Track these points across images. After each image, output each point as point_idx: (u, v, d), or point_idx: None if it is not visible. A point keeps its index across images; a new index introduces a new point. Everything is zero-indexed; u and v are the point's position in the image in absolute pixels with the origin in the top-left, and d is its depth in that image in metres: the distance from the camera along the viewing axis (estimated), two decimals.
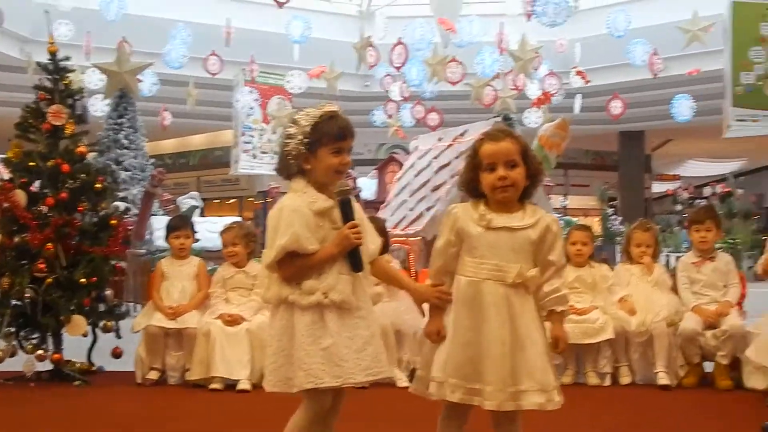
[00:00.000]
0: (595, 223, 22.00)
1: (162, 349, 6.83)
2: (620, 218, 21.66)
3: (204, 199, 19.62)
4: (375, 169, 19.92)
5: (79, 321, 6.85)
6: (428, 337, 3.46)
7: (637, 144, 28.26)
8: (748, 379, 6.23)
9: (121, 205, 9.16)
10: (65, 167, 7.17)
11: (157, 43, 18.97)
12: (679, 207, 28.35)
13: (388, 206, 12.49)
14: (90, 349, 7.32)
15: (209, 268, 7.48)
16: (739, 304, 6.87)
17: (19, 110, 7.48)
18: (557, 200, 24.30)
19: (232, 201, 31.06)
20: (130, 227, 11.83)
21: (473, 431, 3.50)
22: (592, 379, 6.70)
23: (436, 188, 11.24)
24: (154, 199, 15.07)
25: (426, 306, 3.57)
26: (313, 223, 3.42)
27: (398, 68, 19.40)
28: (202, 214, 18.07)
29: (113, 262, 7.37)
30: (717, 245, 7.37)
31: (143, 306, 7.57)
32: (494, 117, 14.47)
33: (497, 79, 19.99)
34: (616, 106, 20.94)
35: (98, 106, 18.69)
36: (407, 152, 15.71)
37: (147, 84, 19.15)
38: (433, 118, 21.05)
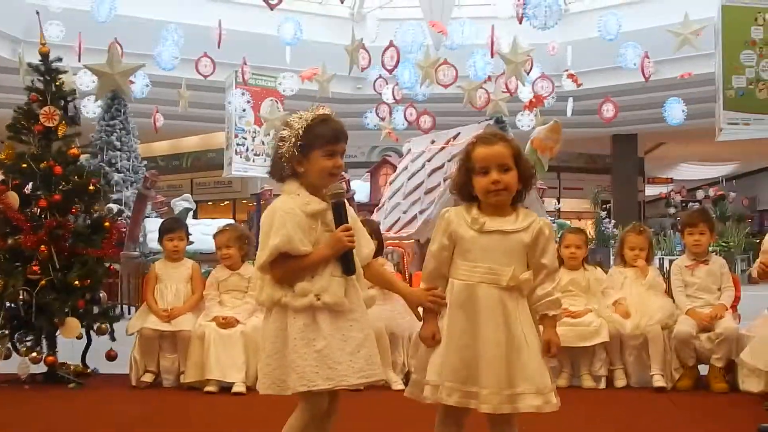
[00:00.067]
0: (589, 226, 22.04)
1: (156, 351, 6.81)
2: (613, 221, 21.72)
3: (197, 202, 19.60)
4: (368, 171, 19.95)
5: (74, 323, 6.83)
6: (423, 342, 3.46)
7: (629, 147, 28.31)
8: (743, 381, 6.24)
9: (115, 207, 9.18)
10: (58, 169, 7.16)
11: (149, 45, 18.95)
12: (672, 210, 28.45)
13: (381, 209, 12.50)
14: (84, 352, 7.30)
15: (203, 270, 7.46)
16: (734, 307, 6.88)
17: (11, 111, 7.45)
18: (550, 203, 24.30)
19: (225, 203, 31.03)
20: (124, 229, 11.84)
21: None
22: (588, 382, 6.70)
23: (429, 191, 11.27)
24: (147, 201, 15.05)
25: (420, 310, 3.55)
26: (305, 224, 3.42)
27: (390, 71, 19.41)
28: (195, 217, 18.03)
29: (107, 265, 7.36)
30: (710, 248, 7.37)
31: (137, 308, 7.56)
32: (487, 120, 14.45)
33: (489, 82, 20.00)
34: (608, 110, 20.99)
35: (90, 108, 18.67)
36: (400, 155, 15.74)
37: (139, 86, 19.14)
38: (426, 121, 21.08)
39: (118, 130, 18.12)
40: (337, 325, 3.38)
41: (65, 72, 7.83)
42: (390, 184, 13.20)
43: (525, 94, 20.34)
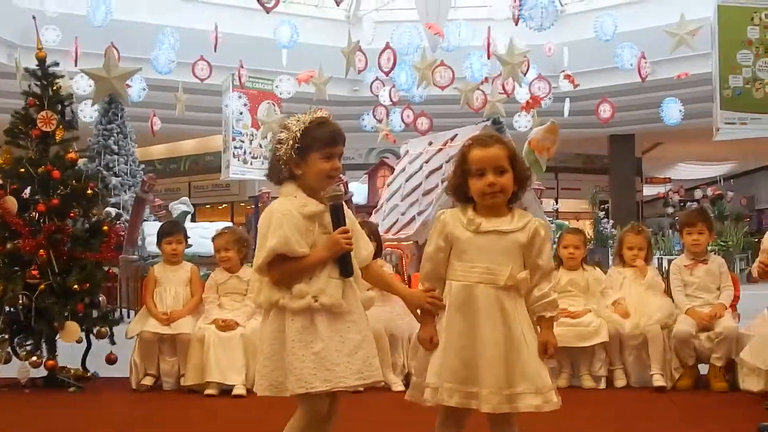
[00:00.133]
0: (587, 227, 22.06)
1: (156, 354, 6.82)
2: (612, 221, 21.72)
3: (195, 205, 19.59)
4: (365, 173, 19.95)
5: (73, 327, 6.84)
6: (421, 344, 3.47)
7: (627, 147, 28.29)
8: (743, 380, 6.25)
9: (113, 211, 9.17)
10: (56, 173, 7.16)
11: (145, 49, 18.93)
12: (670, 210, 28.45)
13: (379, 210, 12.51)
14: (84, 356, 7.30)
15: (201, 273, 7.46)
16: (733, 306, 6.88)
17: (8, 116, 7.45)
18: (548, 204, 24.32)
19: (223, 206, 31.00)
20: (122, 233, 11.84)
21: None
22: (588, 382, 6.70)
23: (427, 192, 11.27)
24: (146, 205, 15.05)
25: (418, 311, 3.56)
26: (303, 226, 3.42)
27: (387, 73, 19.40)
28: (193, 220, 18.03)
29: (106, 268, 7.36)
30: (709, 248, 7.38)
31: (136, 312, 7.56)
32: (484, 121, 14.44)
33: (486, 84, 20.00)
34: (605, 110, 20.98)
35: (87, 112, 18.64)
36: (397, 156, 15.73)
37: (135, 89, 19.10)
38: (423, 123, 21.08)
39: (115, 134, 18.12)
40: (335, 326, 3.38)
41: (62, 76, 7.86)
42: (388, 185, 13.21)
43: (522, 95, 20.31)
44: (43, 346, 7.00)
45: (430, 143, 12.62)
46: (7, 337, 6.91)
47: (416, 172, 12.08)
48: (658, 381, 6.49)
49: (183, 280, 7.11)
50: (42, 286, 6.81)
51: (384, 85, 21.02)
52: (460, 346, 3.30)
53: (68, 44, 17.93)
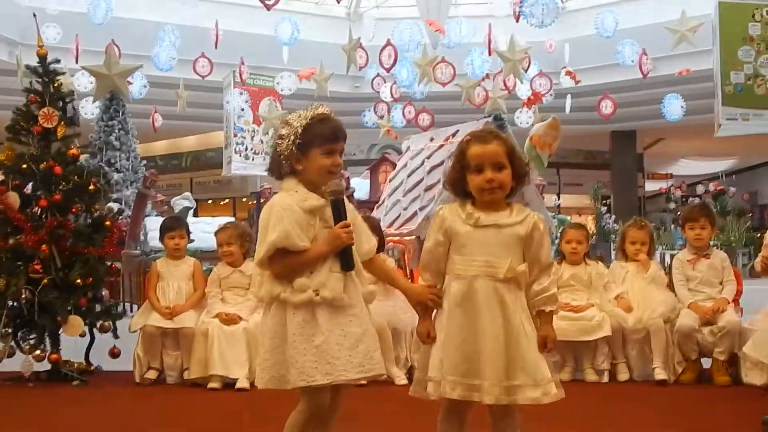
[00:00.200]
0: (589, 222, 22.06)
1: (159, 348, 6.84)
2: (614, 216, 21.72)
3: (197, 200, 19.60)
4: (367, 169, 19.93)
5: (76, 321, 6.87)
6: (419, 338, 3.49)
7: (629, 143, 28.29)
8: (746, 374, 6.26)
9: (115, 206, 9.18)
10: (57, 169, 7.19)
11: (146, 46, 18.95)
12: (672, 205, 28.43)
13: (381, 206, 12.50)
14: (88, 349, 7.32)
15: (204, 268, 7.48)
16: (735, 300, 6.88)
17: (9, 113, 7.48)
18: (550, 199, 24.31)
19: (225, 201, 31.03)
20: (124, 228, 11.85)
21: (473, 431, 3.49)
22: (590, 376, 6.71)
23: (429, 188, 11.25)
24: (147, 201, 15.06)
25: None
26: (303, 220, 3.43)
27: (388, 69, 19.41)
28: (195, 215, 18.05)
29: (108, 263, 7.38)
30: (711, 243, 7.39)
31: (139, 306, 7.57)
32: (485, 117, 14.46)
33: (487, 80, 20.00)
34: (606, 106, 20.97)
35: (89, 109, 18.66)
36: (399, 152, 15.72)
37: (137, 86, 19.13)
38: (425, 119, 21.08)
39: (116, 131, 18.12)
40: (336, 320, 3.39)
41: (63, 73, 7.86)
42: (390, 181, 13.18)
43: (523, 91, 20.32)
44: (47, 340, 7.03)
45: (432, 139, 12.58)
46: (10, 331, 6.94)
47: (418, 168, 12.05)
48: (659, 374, 6.49)
49: (186, 275, 7.12)
50: (45, 281, 6.83)
51: (385, 82, 21.04)
52: (461, 339, 3.30)
53: (69, 41, 17.97)
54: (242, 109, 21.24)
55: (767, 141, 20.50)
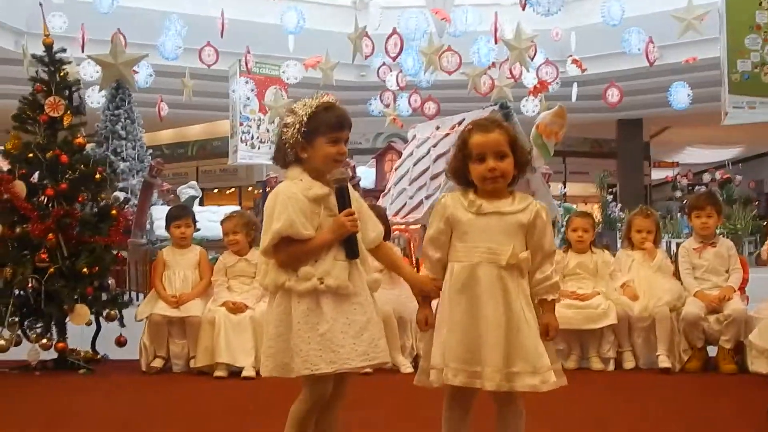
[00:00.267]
0: (595, 210, 22.03)
1: (166, 337, 6.87)
2: (620, 205, 21.69)
3: (203, 189, 19.60)
4: (373, 158, 19.90)
5: (83, 310, 6.89)
6: (417, 324, 3.52)
7: (635, 131, 28.21)
8: (752, 363, 6.28)
9: (121, 195, 9.19)
10: (64, 158, 7.20)
11: (152, 35, 18.93)
12: (678, 193, 28.37)
13: (387, 194, 12.51)
14: (94, 338, 7.35)
15: (210, 257, 7.49)
16: (742, 288, 6.89)
17: (16, 102, 7.49)
18: (556, 188, 24.30)
19: (231, 190, 31.05)
20: (131, 217, 11.87)
21: (477, 421, 3.50)
22: (596, 364, 6.72)
23: (434, 176, 11.25)
24: (153, 189, 15.08)
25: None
26: (308, 209, 3.43)
27: (394, 58, 19.36)
28: (201, 204, 18.06)
29: (114, 252, 7.40)
30: (717, 231, 7.38)
31: (145, 295, 7.59)
32: (491, 105, 14.43)
33: (493, 68, 19.96)
34: (613, 94, 20.90)
35: (95, 98, 18.66)
36: (405, 141, 15.70)
37: (143, 75, 19.10)
38: (430, 107, 21.05)
39: (122, 120, 18.10)
40: (340, 308, 3.39)
41: (69, 62, 7.88)
42: (395, 170, 13.18)
43: (529, 79, 20.27)
44: (53, 328, 7.06)
45: (438, 128, 12.58)
46: (17, 319, 6.97)
47: (424, 157, 12.05)
48: (663, 362, 6.50)
49: (192, 264, 7.14)
50: (51, 270, 6.86)
51: (391, 70, 20.98)
52: (463, 326, 3.30)
53: (75, 31, 17.95)
54: (248, 98, 21.24)
55: None
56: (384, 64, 20.67)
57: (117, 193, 8.41)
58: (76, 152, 7.35)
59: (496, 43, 18.96)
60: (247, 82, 21.05)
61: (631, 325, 6.74)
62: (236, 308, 6.62)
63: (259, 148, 21.51)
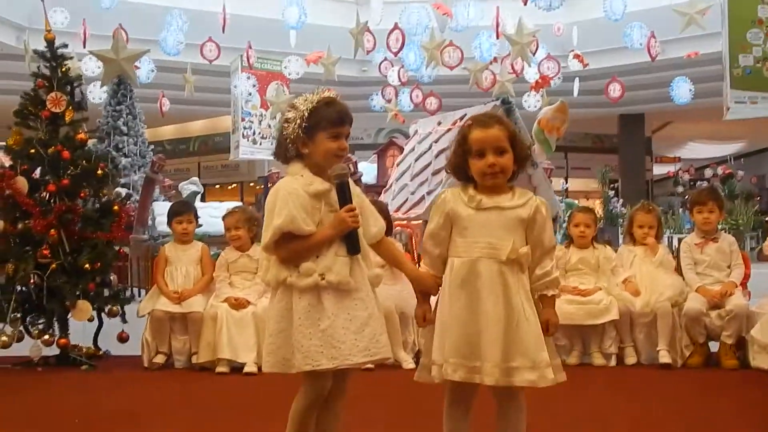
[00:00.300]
0: (597, 206, 22.03)
1: (168, 333, 6.86)
2: (621, 200, 21.70)
3: (204, 185, 19.60)
4: (375, 153, 19.90)
5: (85, 306, 6.89)
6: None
7: (637, 126, 28.19)
8: (754, 358, 6.29)
9: (123, 191, 9.20)
10: (66, 154, 7.19)
11: (153, 30, 18.92)
12: (680, 189, 28.36)
13: (389, 190, 12.52)
14: (96, 334, 7.35)
15: (212, 252, 7.49)
16: (743, 284, 6.89)
17: (17, 98, 7.48)
18: (558, 183, 24.29)
19: (232, 186, 31.03)
20: (132, 213, 11.87)
21: (478, 418, 3.50)
22: (598, 360, 6.72)
23: (436, 172, 11.26)
24: (155, 185, 15.08)
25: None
26: (309, 205, 3.43)
27: (395, 53, 19.35)
28: (203, 200, 18.06)
29: (116, 248, 7.40)
30: (719, 226, 7.38)
31: (147, 291, 7.60)
32: (493, 101, 14.43)
33: (495, 63, 19.94)
34: (614, 90, 20.89)
35: (96, 93, 18.67)
36: (407, 136, 15.70)
37: (144, 71, 19.10)
38: (432, 103, 21.04)
39: (124, 115, 18.12)
40: (342, 304, 3.39)
41: (71, 58, 7.88)
42: (397, 165, 13.19)
43: (531, 75, 20.26)
44: (55, 324, 7.06)
45: (439, 123, 12.58)
46: (19, 315, 6.97)
47: (425, 152, 12.06)
48: (663, 357, 6.51)
49: (194, 259, 7.14)
50: (53, 266, 6.86)
51: (393, 66, 20.97)
52: (463, 321, 3.30)
53: (77, 26, 17.95)
54: (250, 94, 21.24)
55: None
56: (386, 59, 20.66)
57: (119, 189, 8.43)
58: (78, 148, 7.34)
59: (497, 38, 18.95)
60: (248, 78, 21.05)
61: (633, 320, 6.74)
62: (238, 304, 6.62)
63: (260, 144, 21.51)
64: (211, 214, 11.80)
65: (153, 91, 20.51)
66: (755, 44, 15.63)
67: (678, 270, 7.00)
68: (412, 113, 20.72)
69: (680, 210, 23.07)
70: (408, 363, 6.49)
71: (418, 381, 3.47)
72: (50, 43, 7.49)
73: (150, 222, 14.34)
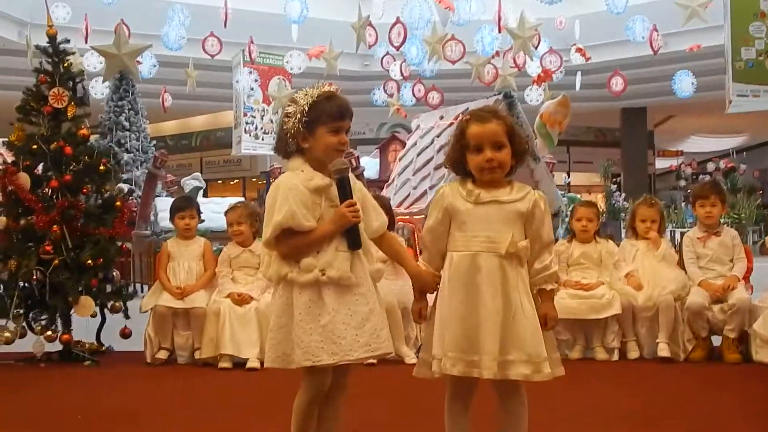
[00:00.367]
0: (599, 200, 22.03)
1: (170, 328, 6.86)
2: (624, 194, 21.70)
3: (207, 180, 19.62)
4: (377, 148, 19.93)
5: (87, 302, 6.89)
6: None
7: (639, 120, 28.20)
8: (756, 352, 6.29)
9: (125, 186, 9.20)
10: (68, 150, 7.19)
11: (155, 25, 18.93)
12: (683, 183, 28.36)
13: (391, 185, 12.52)
14: (99, 330, 7.36)
15: (214, 248, 7.49)
16: (746, 278, 6.87)
17: (19, 94, 7.47)
18: (560, 177, 24.28)
19: (235, 181, 31.06)
20: (135, 209, 11.88)
21: (480, 411, 3.51)
22: (600, 354, 6.72)
23: (438, 166, 11.25)
24: (157, 181, 15.09)
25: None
26: (309, 200, 3.42)
27: (397, 47, 19.36)
28: (205, 195, 18.07)
29: (119, 244, 7.40)
30: (722, 220, 7.37)
31: (150, 286, 7.60)
32: (495, 95, 14.43)
33: (497, 57, 19.94)
34: (617, 83, 20.90)
35: (98, 89, 18.70)
36: (409, 131, 15.70)
37: (146, 66, 19.14)
38: (434, 97, 21.04)
39: (126, 111, 18.14)
40: (342, 299, 3.38)
41: (73, 53, 7.86)
42: (399, 160, 13.19)
43: (533, 69, 20.27)
44: (58, 320, 7.06)
45: (442, 117, 12.58)
46: (22, 311, 6.97)
47: (427, 147, 12.05)
48: (662, 350, 6.51)
49: (196, 255, 7.14)
50: (56, 262, 6.86)
51: (395, 60, 20.99)
52: (462, 315, 3.30)
53: (78, 21, 17.99)
54: (252, 89, 21.25)
55: None
56: (387, 53, 20.68)
57: (121, 185, 8.42)
58: (80, 143, 7.34)
59: (499, 32, 18.94)
60: (250, 73, 21.06)
61: (636, 314, 6.73)
62: (241, 300, 6.63)
63: (263, 139, 21.51)
64: (214, 210, 11.81)
65: (155, 87, 20.54)
66: (757, 37, 15.63)
67: (680, 264, 6.98)
68: (414, 108, 20.72)
69: (683, 204, 23.08)
70: (410, 358, 6.49)
71: (417, 376, 3.47)
72: (52, 38, 7.49)
73: (152, 218, 14.35)
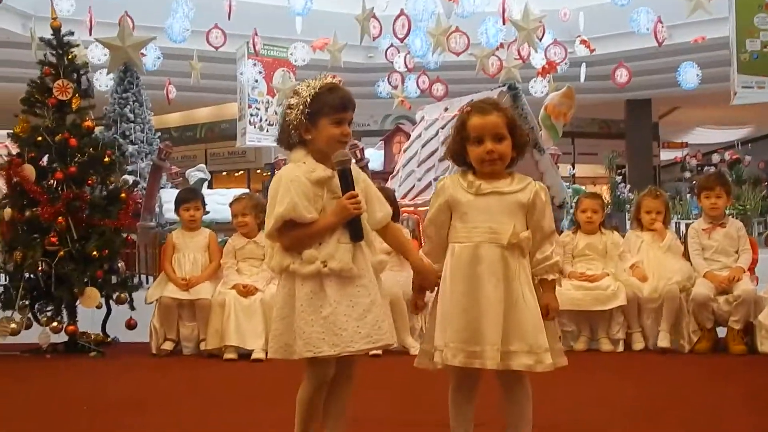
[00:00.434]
0: (604, 191, 22.02)
1: (176, 319, 6.88)
2: (629, 186, 21.68)
3: (211, 172, 19.63)
4: (381, 140, 19.92)
5: (93, 293, 6.90)
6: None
7: (644, 112, 28.14)
8: (762, 343, 6.28)
9: (130, 178, 9.20)
10: (73, 141, 7.20)
11: (160, 17, 18.94)
12: (687, 174, 28.33)
13: (395, 176, 12.52)
14: (104, 321, 7.38)
15: (219, 239, 7.50)
16: (751, 269, 6.87)
17: (24, 86, 7.49)
18: (565, 169, 24.27)
19: (239, 173, 31.06)
20: (140, 200, 11.89)
21: (485, 403, 3.51)
22: (606, 346, 6.72)
23: (443, 158, 11.22)
24: (162, 172, 15.10)
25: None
26: (311, 192, 3.42)
27: (402, 39, 19.35)
28: (210, 187, 18.09)
29: (124, 235, 7.42)
30: (727, 212, 7.36)
31: (155, 278, 7.61)
32: (500, 87, 14.42)
33: (501, 49, 19.92)
34: (621, 75, 20.88)
35: (103, 81, 18.71)
36: (413, 123, 15.71)
37: (150, 58, 19.14)
38: (439, 89, 21.03)
39: (131, 103, 18.12)
40: (344, 291, 3.38)
41: (77, 45, 7.87)
42: (404, 151, 13.19)
43: (537, 60, 20.26)
44: (64, 311, 7.08)
45: (446, 109, 12.56)
46: (27, 303, 7.00)
47: (432, 138, 12.05)
48: (662, 341, 6.51)
49: (201, 246, 7.15)
50: (61, 253, 6.87)
51: (399, 52, 20.99)
52: (464, 306, 3.30)
53: (83, 14, 17.99)
54: (256, 81, 21.26)
55: None
56: (392, 45, 20.68)
57: (126, 177, 8.41)
58: (85, 135, 7.36)
59: (504, 23, 18.94)
60: (254, 65, 21.08)
61: (641, 306, 6.72)
62: (247, 291, 6.63)
63: (267, 131, 21.51)
64: (218, 201, 11.82)
65: (159, 78, 20.53)
66: (762, 29, 15.62)
67: (686, 255, 6.97)
68: (418, 99, 20.74)
69: (688, 195, 23.06)
70: (415, 349, 6.45)
71: (418, 367, 3.48)
72: (56, 30, 7.50)
73: (157, 209, 14.38)
